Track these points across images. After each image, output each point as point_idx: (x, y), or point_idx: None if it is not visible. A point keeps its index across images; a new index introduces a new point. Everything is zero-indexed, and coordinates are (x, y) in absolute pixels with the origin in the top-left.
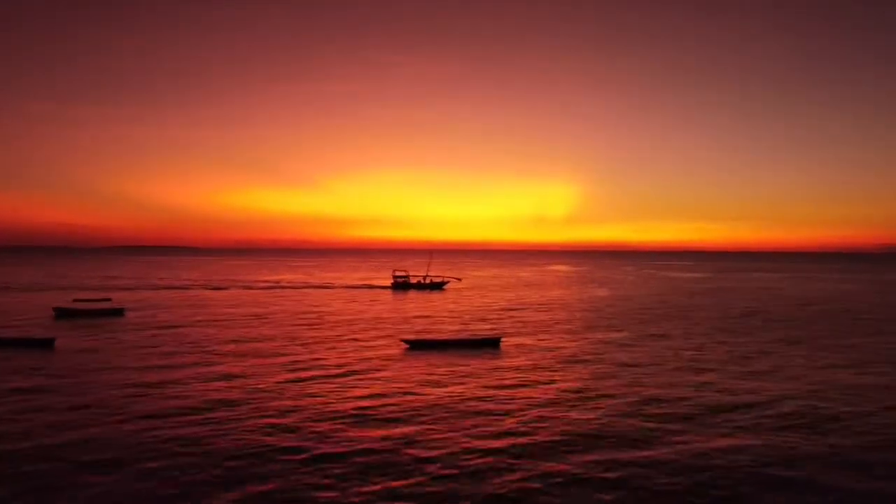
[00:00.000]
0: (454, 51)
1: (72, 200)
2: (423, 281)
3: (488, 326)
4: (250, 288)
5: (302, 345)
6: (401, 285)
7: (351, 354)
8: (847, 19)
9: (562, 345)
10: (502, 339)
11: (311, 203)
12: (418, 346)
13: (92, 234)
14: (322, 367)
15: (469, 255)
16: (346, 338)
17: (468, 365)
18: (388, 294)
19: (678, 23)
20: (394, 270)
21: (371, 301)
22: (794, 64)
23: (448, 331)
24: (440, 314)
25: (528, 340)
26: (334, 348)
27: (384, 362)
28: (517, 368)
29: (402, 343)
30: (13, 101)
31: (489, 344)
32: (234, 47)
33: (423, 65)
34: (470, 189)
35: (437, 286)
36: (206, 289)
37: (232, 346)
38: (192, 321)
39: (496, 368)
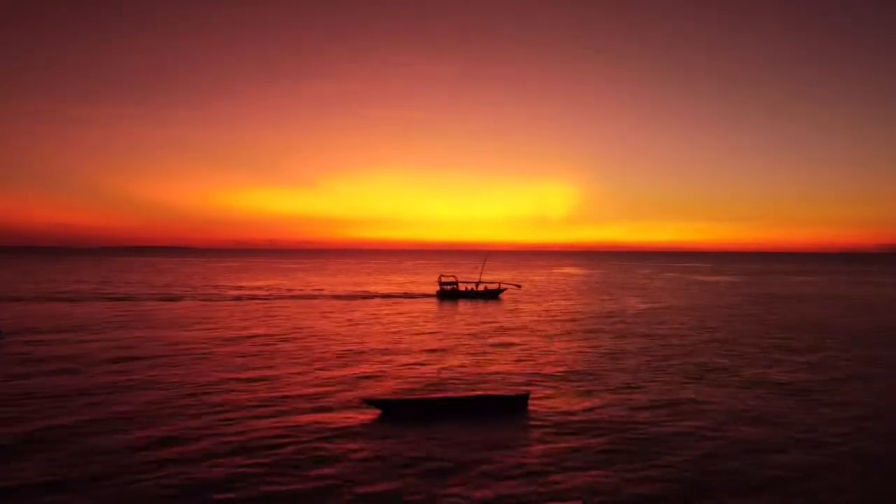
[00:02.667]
0: (454, 51)
1: (71, 200)
2: (475, 288)
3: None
4: (209, 299)
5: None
6: (448, 294)
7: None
8: (848, 19)
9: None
10: (529, 397)
11: (310, 203)
12: (392, 408)
13: (91, 235)
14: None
15: (468, 256)
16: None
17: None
18: (431, 305)
19: (678, 23)
20: (440, 276)
21: (399, 315)
22: (795, 64)
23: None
24: (502, 334)
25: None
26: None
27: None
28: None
29: (369, 406)
30: (13, 100)
31: (510, 405)
32: (234, 48)
33: (422, 65)
34: (470, 189)
35: (492, 295)
36: (159, 299)
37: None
38: (67, 354)
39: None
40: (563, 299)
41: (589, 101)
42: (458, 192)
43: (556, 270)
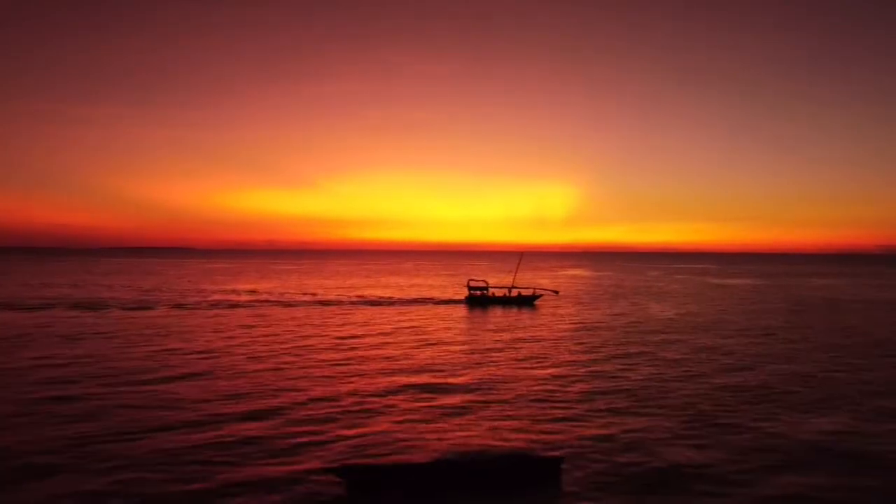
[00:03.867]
0: (454, 52)
1: (70, 201)
2: (508, 294)
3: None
4: (185, 307)
5: None
6: (477, 300)
7: None
8: (847, 19)
9: None
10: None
11: (310, 204)
12: (365, 478)
13: (90, 235)
14: None
15: (468, 257)
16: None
17: None
18: (459, 312)
19: (677, 24)
20: (469, 280)
21: (416, 323)
22: (794, 64)
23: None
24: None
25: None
26: None
27: None
28: None
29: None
30: (12, 101)
31: (536, 471)
32: (233, 48)
33: (422, 65)
34: (469, 190)
35: (527, 301)
36: (128, 308)
37: None
38: None
39: None
40: (590, 307)
41: (588, 102)
42: (457, 192)
43: (560, 272)
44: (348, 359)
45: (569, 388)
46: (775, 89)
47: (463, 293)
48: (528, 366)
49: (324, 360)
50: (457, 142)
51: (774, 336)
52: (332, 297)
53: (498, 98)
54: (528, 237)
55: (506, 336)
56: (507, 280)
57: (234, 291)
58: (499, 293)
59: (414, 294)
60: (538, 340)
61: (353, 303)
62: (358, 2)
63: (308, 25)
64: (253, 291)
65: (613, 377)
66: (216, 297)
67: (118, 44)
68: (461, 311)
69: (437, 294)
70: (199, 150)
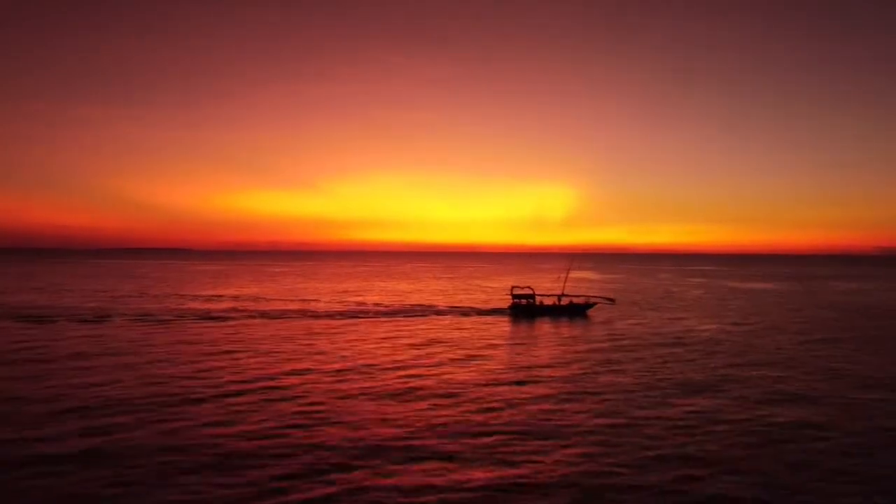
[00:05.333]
0: (454, 53)
1: (70, 201)
2: (558, 302)
3: None
4: (145, 317)
5: None
6: (523, 309)
7: None
8: (846, 22)
9: None
10: None
11: (309, 205)
12: None
13: (90, 236)
14: None
15: (468, 258)
16: None
17: None
18: (502, 325)
19: (676, 26)
20: (512, 287)
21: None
22: (793, 67)
23: None
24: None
25: None
26: None
27: None
28: None
29: None
30: (12, 101)
31: None
32: (234, 49)
33: (422, 67)
34: (468, 191)
35: (579, 310)
36: (79, 319)
37: None
38: None
39: None
40: (640, 317)
41: (587, 103)
42: (456, 193)
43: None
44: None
45: (660, 419)
46: (774, 91)
47: (489, 297)
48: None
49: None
50: (456, 143)
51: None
52: (352, 306)
53: (497, 99)
54: (527, 238)
55: (557, 348)
56: (541, 284)
57: (216, 298)
58: (547, 301)
59: (452, 302)
60: (591, 351)
61: (377, 314)
62: (358, 4)
63: (308, 27)
64: (241, 297)
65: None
66: (191, 304)
67: (118, 45)
68: (504, 325)
69: (472, 302)
70: (198, 151)
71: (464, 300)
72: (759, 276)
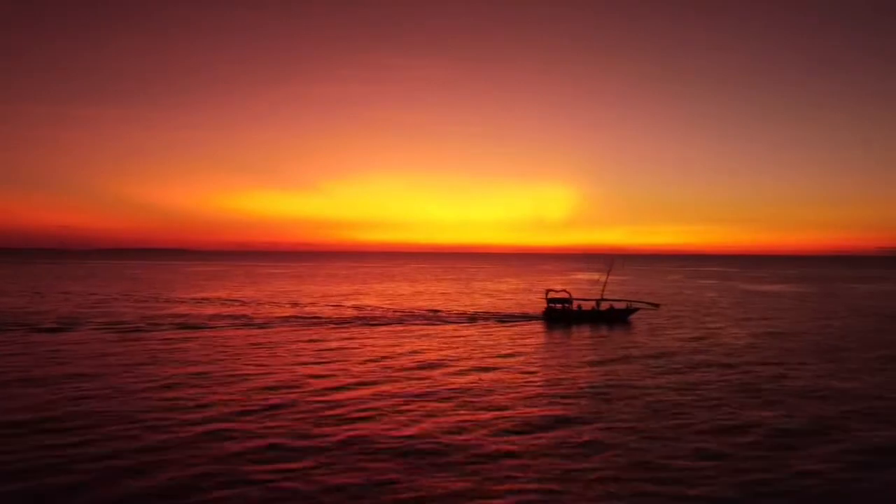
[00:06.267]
0: (453, 54)
1: (71, 202)
2: (597, 308)
3: None
4: (115, 325)
5: None
6: (558, 315)
7: None
8: (845, 23)
9: None
10: None
11: (309, 206)
12: None
13: (90, 237)
14: None
15: (468, 258)
16: None
17: None
18: (535, 333)
19: (676, 26)
20: (547, 291)
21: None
22: (793, 67)
23: None
24: None
25: None
26: None
27: None
28: None
29: None
30: (13, 102)
31: None
32: (233, 50)
33: (421, 68)
34: (468, 192)
35: (619, 317)
36: (42, 329)
37: None
38: None
39: None
40: (677, 325)
41: (587, 104)
42: (456, 194)
43: (572, 276)
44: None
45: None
46: (774, 92)
47: (521, 303)
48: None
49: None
50: (456, 144)
51: None
52: (375, 311)
53: (497, 100)
54: (526, 239)
55: (597, 363)
56: (574, 288)
57: (201, 302)
58: (586, 307)
59: (480, 307)
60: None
61: (400, 321)
62: (357, 6)
63: (308, 29)
64: (222, 301)
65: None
66: (170, 310)
67: (118, 46)
68: (538, 333)
69: (504, 306)
70: (198, 152)
71: (487, 305)
72: (770, 278)
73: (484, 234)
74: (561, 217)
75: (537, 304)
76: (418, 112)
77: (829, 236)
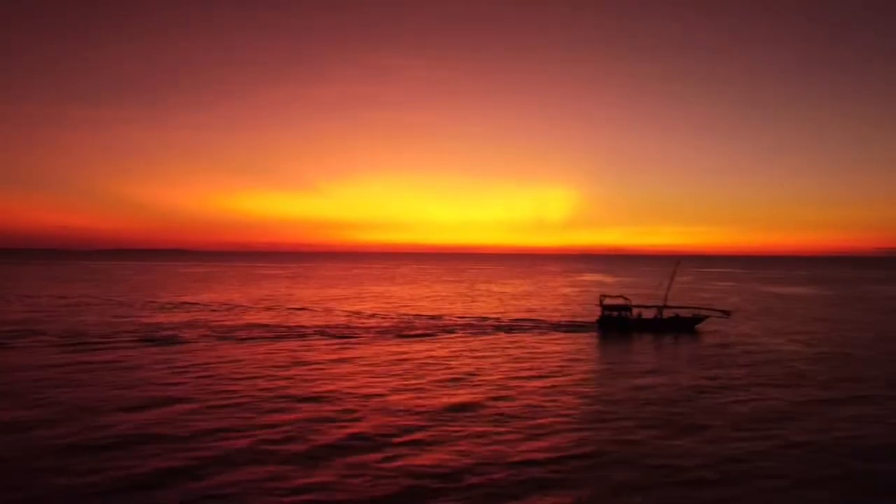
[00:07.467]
0: (454, 54)
1: (71, 202)
2: (659, 315)
3: None
4: (75, 338)
5: None
6: (614, 322)
7: None
8: (844, 24)
9: None
10: None
11: (310, 206)
12: None
13: (90, 236)
14: None
15: (468, 259)
16: None
17: None
18: (588, 344)
19: (676, 28)
20: (601, 297)
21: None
22: (792, 68)
23: None
24: None
25: None
26: None
27: None
28: None
29: None
30: (12, 102)
31: None
32: (234, 50)
33: (422, 68)
34: (469, 192)
35: (686, 325)
36: None
37: None
38: None
39: None
40: (754, 334)
41: (587, 105)
42: (456, 195)
43: (575, 277)
44: None
45: None
46: (773, 92)
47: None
48: None
49: None
50: (456, 144)
51: None
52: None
53: (497, 101)
54: (527, 239)
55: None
56: (635, 294)
57: (182, 306)
58: (647, 314)
59: (521, 313)
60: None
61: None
62: (358, 6)
63: (308, 29)
64: (206, 306)
65: None
66: (144, 317)
67: (118, 46)
68: (592, 344)
69: (545, 313)
70: (198, 153)
71: (523, 312)
72: (784, 280)
73: (484, 235)
74: (561, 217)
75: (586, 312)
76: (418, 112)
77: (829, 237)
